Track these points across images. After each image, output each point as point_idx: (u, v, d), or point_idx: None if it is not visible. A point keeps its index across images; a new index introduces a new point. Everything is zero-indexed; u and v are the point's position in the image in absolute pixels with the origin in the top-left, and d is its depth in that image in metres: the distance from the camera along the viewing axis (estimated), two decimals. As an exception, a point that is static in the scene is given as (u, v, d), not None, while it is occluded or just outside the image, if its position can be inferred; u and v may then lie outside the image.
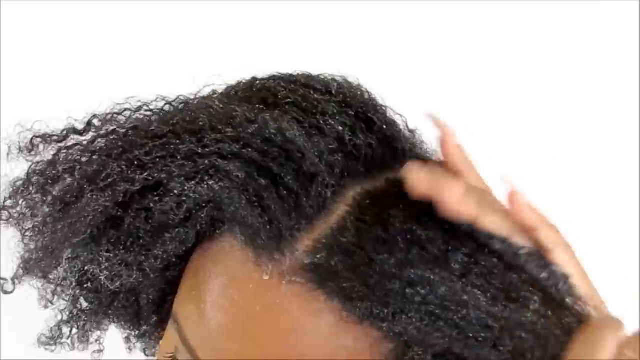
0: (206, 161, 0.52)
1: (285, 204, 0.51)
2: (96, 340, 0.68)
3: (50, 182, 0.57)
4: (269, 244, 0.51)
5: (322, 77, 0.58)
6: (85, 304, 0.65)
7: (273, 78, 0.59)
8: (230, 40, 1.00)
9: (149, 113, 0.59)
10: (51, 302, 0.65)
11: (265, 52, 0.97)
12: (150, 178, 0.53)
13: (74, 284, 0.62)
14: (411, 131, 0.59)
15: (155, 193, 0.53)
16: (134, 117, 0.58)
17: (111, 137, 0.56)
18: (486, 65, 1.04)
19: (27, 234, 0.60)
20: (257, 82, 0.59)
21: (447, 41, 1.03)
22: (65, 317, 0.66)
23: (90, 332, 0.67)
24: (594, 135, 1.04)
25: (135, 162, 0.53)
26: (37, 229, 0.59)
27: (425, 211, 0.51)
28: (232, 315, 0.51)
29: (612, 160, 1.05)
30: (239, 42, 1.00)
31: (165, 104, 0.60)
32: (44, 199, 0.57)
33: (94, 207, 0.53)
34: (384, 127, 0.56)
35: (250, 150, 0.51)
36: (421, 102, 0.59)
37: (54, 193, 0.56)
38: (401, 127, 0.58)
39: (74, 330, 0.66)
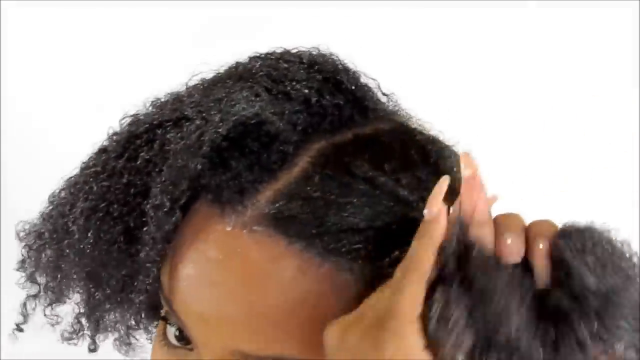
0: (169, 149, 0.54)
1: (247, 161, 0.53)
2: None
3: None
4: (232, 197, 0.52)
5: (297, 50, 0.60)
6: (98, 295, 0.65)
7: (253, 58, 0.61)
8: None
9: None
10: (68, 297, 0.66)
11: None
12: (136, 187, 0.55)
13: (82, 276, 0.63)
14: (385, 94, 0.59)
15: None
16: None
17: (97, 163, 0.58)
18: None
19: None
20: (239, 64, 0.61)
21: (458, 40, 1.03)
22: (82, 310, 0.67)
23: (109, 324, 0.68)
24: (594, 136, 1.02)
25: (124, 180, 0.56)
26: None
27: (387, 161, 0.52)
28: (197, 264, 0.53)
29: (611, 161, 1.02)
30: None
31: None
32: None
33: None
34: (353, 88, 0.57)
35: (208, 128, 0.53)
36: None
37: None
38: (374, 90, 0.59)
39: (93, 323, 0.67)
